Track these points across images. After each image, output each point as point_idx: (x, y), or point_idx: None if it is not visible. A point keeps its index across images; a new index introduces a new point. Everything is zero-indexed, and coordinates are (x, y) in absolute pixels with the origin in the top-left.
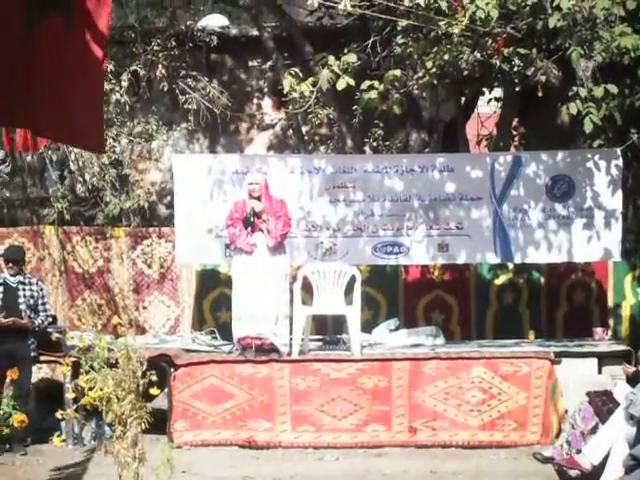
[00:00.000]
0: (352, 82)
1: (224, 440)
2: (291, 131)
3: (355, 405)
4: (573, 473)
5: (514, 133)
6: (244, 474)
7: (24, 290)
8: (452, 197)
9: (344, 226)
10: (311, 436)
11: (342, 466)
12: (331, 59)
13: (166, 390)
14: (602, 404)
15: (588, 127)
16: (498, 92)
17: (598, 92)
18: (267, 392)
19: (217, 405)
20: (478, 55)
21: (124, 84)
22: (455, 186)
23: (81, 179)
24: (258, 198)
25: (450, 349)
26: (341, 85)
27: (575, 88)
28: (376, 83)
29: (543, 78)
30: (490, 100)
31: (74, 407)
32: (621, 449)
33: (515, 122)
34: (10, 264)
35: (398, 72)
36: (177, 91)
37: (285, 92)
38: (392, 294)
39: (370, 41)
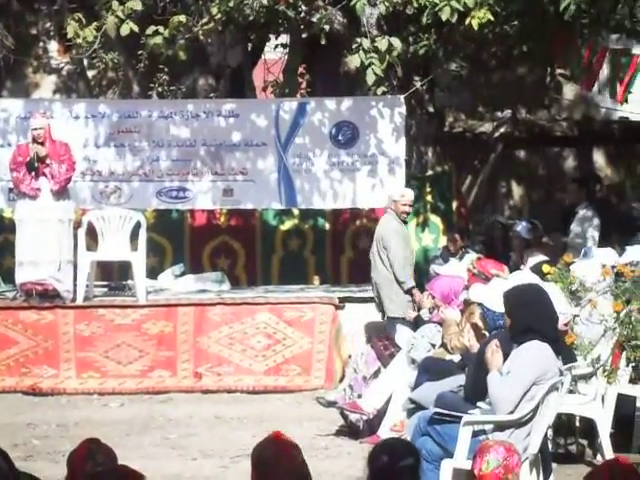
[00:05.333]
0: (136, 28)
1: (8, 387)
2: (77, 76)
3: (140, 351)
4: (354, 417)
5: (300, 80)
6: (28, 421)
7: None
8: (238, 143)
9: (129, 171)
10: (96, 382)
11: (127, 412)
12: (115, 4)
13: None
14: (384, 349)
15: (370, 78)
16: (285, 38)
17: (381, 44)
18: (51, 338)
19: (0, 352)
20: (264, 1)
21: None
22: (241, 132)
23: None
24: (42, 143)
25: (235, 295)
26: (125, 31)
27: (358, 40)
28: (161, 28)
29: (327, 27)
30: (277, 46)
31: None
32: (402, 393)
33: (302, 69)
34: None
35: (183, 18)
36: None
37: (69, 37)
38: (178, 240)
39: None
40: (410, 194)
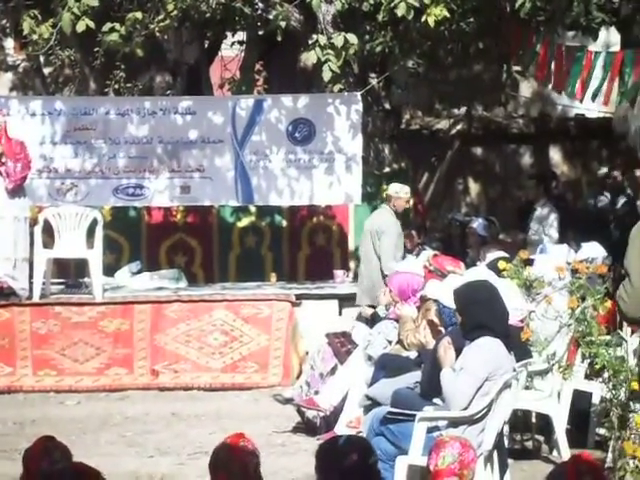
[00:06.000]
0: (92, 25)
1: None
2: (33, 73)
3: (97, 349)
4: (311, 414)
5: (257, 77)
6: None
7: None
8: (194, 140)
9: (86, 169)
10: (52, 380)
11: (84, 409)
12: (71, 1)
13: None
14: (341, 345)
15: (327, 75)
16: (241, 35)
17: (338, 41)
18: (8, 336)
19: None
20: None
21: None
22: (197, 129)
23: None
24: None
25: (192, 292)
26: (81, 28)
27: (315, 36)
28: (118, 25)
29: (283, 23)
30: (233, 43)
31: None
32: (359, 390)
33: (258, 66)
34: None
35: (140, 14)
36: None
37: (25, 34)
38: (135, 237)
39: None
40: (408, 189)
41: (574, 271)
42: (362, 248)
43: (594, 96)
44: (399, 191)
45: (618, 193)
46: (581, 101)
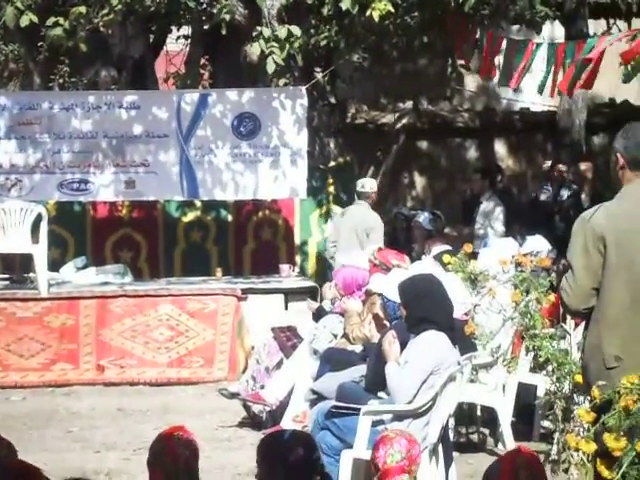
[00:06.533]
0: (36, 19)
1: None
2: None
3: (42, 344)
4: (257, 408)
5: (203, 71)
6: None
7: None
8: (139, 135)
9: (30, 164)
10: None
11: (29, 405)
12: None
13: None
14: (287, 339)
15: (271, 67)
16: (186, 30)
17: (281, 33)
18: None
19: None
20: None
21: None
22: (142, 124)
23: None
24: None
25: (138, 287)
26: (24, 22)
27: (259, 28)
28: (62, 20)
29: (227, 16)
30: (179, 38)
31: None
32: (305, 384)
33: (204, 60)
34: None
35: (84, 9)
36: None
37: None
38: (80, 232)
39: None
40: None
41: (518, 264)
42: (343, 244)
43: (540, 89)
44: (374, 186)
45: (563, 186)
46: (515, 90)
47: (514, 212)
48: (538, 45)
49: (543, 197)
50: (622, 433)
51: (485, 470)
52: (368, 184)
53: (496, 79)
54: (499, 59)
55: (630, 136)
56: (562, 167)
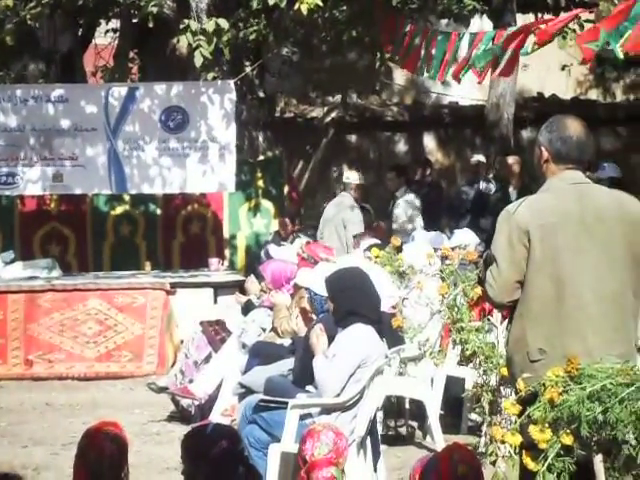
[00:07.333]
0: None
1: None
2: None
3: None
4: (186, 402)
5: (131, 65)
6: None
7: None
8: (67, 129)
9: None
10: None
11: None
12: None
13: None
14: (215, 333)
15: (198, 60)
16: (115, 23)
17: (209, 26)
18: None
19: None
20: None
21: None
22: (70, 118)
23: None
24: None
25: (66, 281)
26: None
27: (187, 21)
28: None
29: (155, 9)
30: (107, 31)
31: None
32: (233, 377)
33: (133, 54)
34: None
35: (10, 1)
36: None
37: None
38: (7, 226)
39: None
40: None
41: (444, 258)
42: (326, 235)
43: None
44: (357, 179)
45: (490, 180)
46: (442, 83)
47: (442, 206)
48: (461, 35)
49: (471, 191)
50: (547, 425)
51: (416, 465)
52: (352, 176)
53: (426, 73)
54: (422, 52)
55: (554, 129)
56: (490, 161)
